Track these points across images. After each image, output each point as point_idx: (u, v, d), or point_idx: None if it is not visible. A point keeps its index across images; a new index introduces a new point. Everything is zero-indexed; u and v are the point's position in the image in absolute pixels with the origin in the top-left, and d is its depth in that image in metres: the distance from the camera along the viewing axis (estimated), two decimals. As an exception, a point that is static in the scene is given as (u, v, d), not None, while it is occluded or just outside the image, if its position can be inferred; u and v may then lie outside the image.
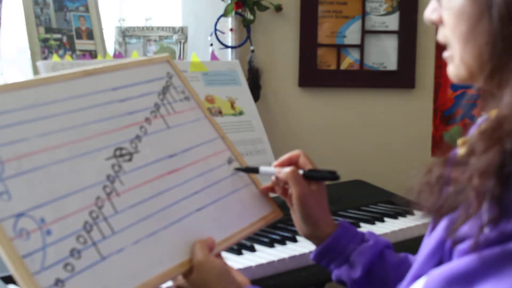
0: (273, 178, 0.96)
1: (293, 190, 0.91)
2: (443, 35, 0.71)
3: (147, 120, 0.88)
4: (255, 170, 0.96)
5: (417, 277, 0.67)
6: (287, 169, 0.91)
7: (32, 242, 0.67)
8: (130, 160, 0.82)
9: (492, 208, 0.57)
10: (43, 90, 0.78)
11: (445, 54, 0.72)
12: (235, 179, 0.95)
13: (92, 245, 0.72)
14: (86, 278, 0.70)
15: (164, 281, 0.78)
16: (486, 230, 0.57)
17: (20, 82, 0.76)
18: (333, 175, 0.92)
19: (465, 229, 0.60)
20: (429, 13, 0.73)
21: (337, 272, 0.94)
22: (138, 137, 0.85)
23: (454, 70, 0.70)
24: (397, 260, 0.94)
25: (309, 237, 0.95)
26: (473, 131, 0.76)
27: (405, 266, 0.92)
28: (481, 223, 0.57)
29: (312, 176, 0.92)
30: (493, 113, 0.65)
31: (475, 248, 0.58)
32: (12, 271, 0.65)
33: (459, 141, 0.76)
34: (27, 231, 0.67)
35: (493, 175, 0.57)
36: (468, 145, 0.62)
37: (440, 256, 0.66)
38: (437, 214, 0.66)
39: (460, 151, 0.74)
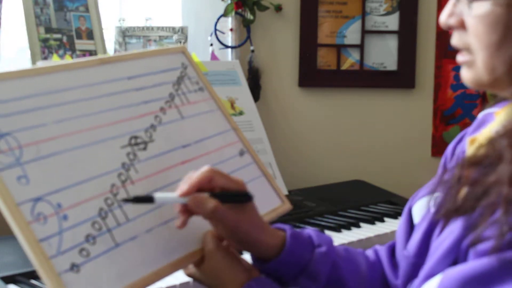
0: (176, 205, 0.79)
1: (221, 225, 0.79)
2: (462, 40, 0.69)
3: (162, 109, 0.88)
4: (148, 200, 0.76)
5: (430, 276, 0.66)
6: (209, 207, 0.76)
7: (49, 226, 0.68)
8: (144, 149, 0.83)
9: None
10: (60, 77, 0.78)
11: (461, 59, 0.70)
12: (246, 171, 0.95)
13: (107, 231, 0.73)
14: (100, 263, 0.70)
15: (176, 270, 0.79)
16: (509, 236, 0.57)
17: (38, 68, 0.77)
18: (246, 197, 0.81)
19: (486, 227, 0.59)
20: (445, 18, 0.70)
21: (293, 284, 0.85)
22: (153, 126, 0.85)
23: (474, 76, 0.69)
24: (343, 257, 0.88)
25: (250, 252, 0.85)
26: (482, 130, 0.76)
27: (352, 259, 0.88)
28: (503, 227, 0.57)
29: (228, 201, 0.79)
30: (509, 111, 0.65)
31: (496, 250, 0.57)
32: (29, 254, 0.65)
33: (468, 139, 0.76)
34: (44, 215, 0.68)
35: None
36: (494, 149, 0.62)
37: (456, 255, 0.65)
38: (454, 215, 0.66)
39: (469, 149, 0.74)
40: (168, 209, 0.81)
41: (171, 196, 0.77)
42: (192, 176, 0.77)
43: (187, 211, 0.78)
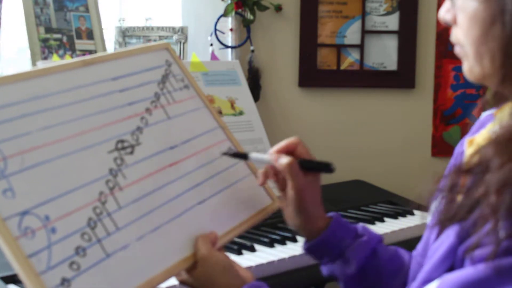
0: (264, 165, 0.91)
1: (290, 183, 0.87)
2: (455, 36, 0.71)
3: (147, 110, 0.86)
4: (243, 156, 0.91)
5: (427, 281, 0.67)
6: (285, 160, 0.86)
7: (38, 240, 0.66)
8: (131, 153, 0.81)
9: (509, 223, 0.57)
10: (43, 82, 0.76)
11: (458, 51, 0.72)
12: (236, 170, 0.94)
13: (96, 242, 0.71)
14: (91, 276, 0.68)
15: (168, 277, 0.77)
16: (504, 243, 0.57)
17: (19, 74, 0.74)
18: (328, 168, 0.87)
19: (481, 236, 0.59)
20: (443, 13, 0.72)
21: (330, 267, 0.93)
22: (139, 129, 0.83)
23: (468, 67, 0.70)
24: (389, 254, 0.93)
25: (299, 229, 0.92)
26: (481, 131, 0.76)
27: (397, 260, 0.93)
28: (498, 237, 0.57)
29: (307, 167, 0.88)
30: (503, 114, 0.65)
31: (492, 257, 0.57)
32: (18, 271, 0.63)
33: (467, 140, 0.76)
34: (32, 229, 0.66)
35: (509, 191, 0.57)
36: (482, 157, 0.62)
37: (452, 261, 0.65)
38: (448, 223, 0.66)
39: (468, 150, 0.74)
40: (158, 215, 0.80)
41: (262, 156, 0.89)
42: (281, 142, 0.89)
43: (270, 172, 0.90)
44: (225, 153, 0.92)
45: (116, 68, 0.86)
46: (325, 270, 0.95)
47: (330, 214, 0.94)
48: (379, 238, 0.94)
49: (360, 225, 0.95)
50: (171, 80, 0.92)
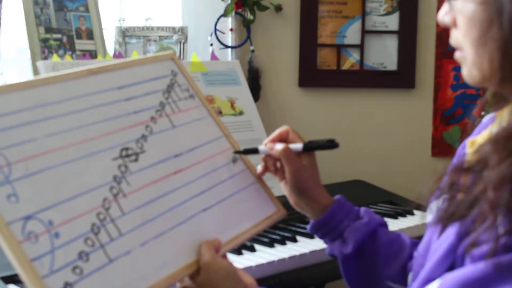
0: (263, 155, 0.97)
1: (286, 166, 0.91)
2: (454, 38, 0.71)
3: (152, 119, 0.87)
4: (254, 151, 0.95)
5: (428, 280, 0.67)
6: (279, 147, 0.91)
7: (41, 245, 0.66)
8: (136, 160, 0.81)
9: (508, 219, 0.57)
10: (48, 90, 0.77)
11: (457, 55, 0.72)
12: (240, 178, 0.95)
13: (100, 247, 0.71)
14: (94, 281, 0.69)
15: (171, 283, 0.78)
16: (503, 240, 0.57)
17: (26, 81, 0.75)
18: (332, 144, 0.91)
19: (480, 232, 0.60)
20: (442, 16, 0.73)
21: (330, 246, 0.96)
22: (143, 137, 0.84)
23: (467, 71, 0.71)
24: (389, 238, 0.95)
25: (304, 209, 0.96)
26: (482, 132, 0.77)
27: (396, 245, 0.95)
28: (497, 233, 0.58)
29: (313, 147, 0.92)
30: (503, 115, 0.66)
31: (492, 255, 0.58)
32: (21, 274, 0.64)
33: (468, 141, 0.76)
34: (35, 234, 0.66)
35: (507, 187, 0.57)
36: (481, 155, 0.62)
37: (452, 260, 0.66)
38: (448, 221, 0.66)
39: (469, 151, 0.75)
40: (162, 221, 0.80)
41: (263, 147, 0.94)
42: (273, 133, 0.94)
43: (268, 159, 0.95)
44: (236, 152, 0.96)
45: (122, 77, 0.87)
46: (326, 249, 0.98)
47: (336, 196, 0.97)
48: (381, 222, 0.96)
49: (363, 208, 0.97)
50: (176, 89, 0.93)
